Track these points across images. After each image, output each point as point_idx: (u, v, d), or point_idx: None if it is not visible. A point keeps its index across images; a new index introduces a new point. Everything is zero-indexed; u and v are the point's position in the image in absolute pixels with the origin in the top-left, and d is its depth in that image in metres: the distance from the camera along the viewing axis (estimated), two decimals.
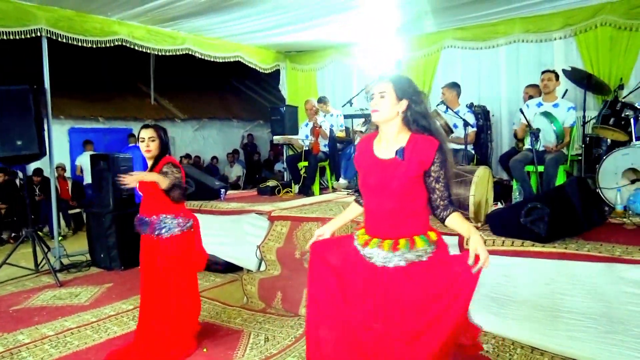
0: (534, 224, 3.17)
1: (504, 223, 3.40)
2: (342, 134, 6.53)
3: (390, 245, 1.93)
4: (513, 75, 6.36)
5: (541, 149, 4.35)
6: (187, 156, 11.31)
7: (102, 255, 5.65)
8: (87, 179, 8.76)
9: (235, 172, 11.84)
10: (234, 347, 3.31)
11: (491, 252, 3.26)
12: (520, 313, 3.22)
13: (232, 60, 7.35)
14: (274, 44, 7.67)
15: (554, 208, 3.16)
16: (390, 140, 2.02)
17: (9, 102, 4.93)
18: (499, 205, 4.43)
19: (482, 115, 5.82)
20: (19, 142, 4.98)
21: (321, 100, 6.83)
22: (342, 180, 6.40)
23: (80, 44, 5.60)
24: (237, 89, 14.49)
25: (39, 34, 5.29)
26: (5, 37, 5.09)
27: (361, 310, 2.03)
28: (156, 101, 11.95)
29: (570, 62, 5.72)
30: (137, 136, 3.15)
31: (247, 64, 7.64)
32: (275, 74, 8.75)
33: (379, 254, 1.96)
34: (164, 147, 3.15)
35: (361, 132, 6.35)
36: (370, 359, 2.02)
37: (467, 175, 3.81)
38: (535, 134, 4.06)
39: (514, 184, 4.60)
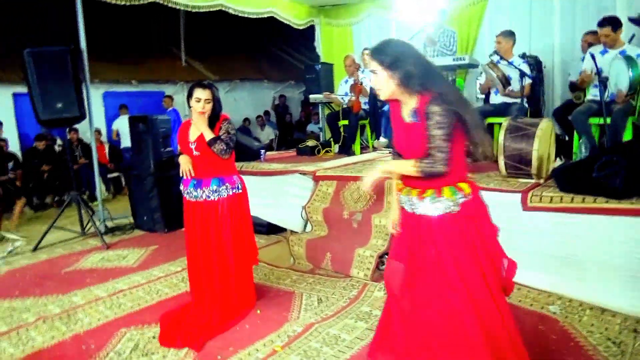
0: (608, 179, 2.94)
1: (572, 179, 3.17)
2: None
3: (417, 193, 2.02)
4: (568, 23, 5.87)
5: (608, 99, 4.01)
6: None
7: (145, 218, 5.67)
8: (124, 142, 8.79)
9: (267, 134, 11.72)
10: (288, 308, 3.24)
11: (560, 210, 3.11)
12: (590, 274, 3.04)
13: (265, 16, 7.07)
14: None
15: (631, 161, 2.90)
16: (407, 104, 2.03)
17: (48, 64, 4.85)
18: (559, 162, 4.16)
19: (535, 66, 5.43)
20: (59, 105, 4.92)
21: (366, 50, 6.51)
22: (382, 139, 6.15)
23: (113, 1, 5.43)
24: (267, 49, 14.19)
25: None
26: None
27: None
28: (187, 63, 11.84)
29: (635, 6, 5.22)
30: (190, 94, 2.95)
31: (281, 19, 7.34)
32: (307, 34, 8.45)
33: (408, 200, 2.07)
34: (218, 109, 3.00)
35: None
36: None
37: (529, 129, 3.55)
38: (603, 82, 3.73)
39: (575, 139, 4.31)
